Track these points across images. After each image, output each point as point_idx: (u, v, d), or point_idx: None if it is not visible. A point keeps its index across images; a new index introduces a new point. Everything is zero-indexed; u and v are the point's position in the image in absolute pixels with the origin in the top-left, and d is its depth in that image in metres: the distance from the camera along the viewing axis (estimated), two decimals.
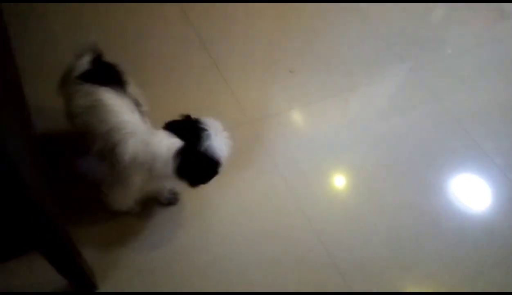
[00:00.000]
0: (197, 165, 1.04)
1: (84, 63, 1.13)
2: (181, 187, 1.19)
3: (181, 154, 1.02)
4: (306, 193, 1.44)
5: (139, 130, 1.06)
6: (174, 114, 1.13)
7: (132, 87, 1.18)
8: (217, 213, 1.36)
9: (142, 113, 1.13)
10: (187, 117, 1.09)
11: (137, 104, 1.14)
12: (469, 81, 1.87)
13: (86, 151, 1.19)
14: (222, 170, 1.08)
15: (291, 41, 1.87)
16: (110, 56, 1.21)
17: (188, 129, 1.05)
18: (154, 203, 1.32)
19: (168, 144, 1.03)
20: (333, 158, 1.56)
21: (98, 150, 1.11)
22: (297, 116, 1.67)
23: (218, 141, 1.04)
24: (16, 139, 0.80)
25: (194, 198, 1.35)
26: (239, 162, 1.46)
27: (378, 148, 1.61)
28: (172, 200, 1.32)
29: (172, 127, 1.06)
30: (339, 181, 1.52)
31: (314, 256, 1.31)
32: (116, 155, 1.05)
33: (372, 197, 1.47)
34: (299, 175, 1.48)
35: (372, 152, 1.60)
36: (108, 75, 1.15)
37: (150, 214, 1.31)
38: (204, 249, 1.28)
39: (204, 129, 1.03)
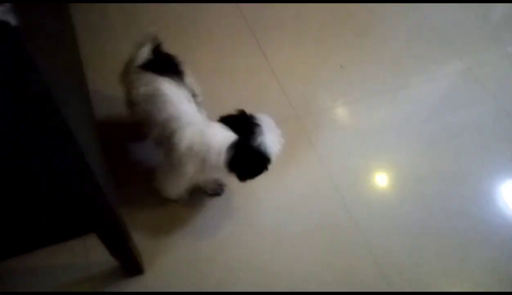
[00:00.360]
0: (249, 159, 1.05)
1: (145, 52, 1.17)
2: (228, 179, 1.21)
3: (234, 147, 1.03)
4: (351, 193, 1.42)
5: (195, 120, 1.09)
6: (224, 105, 1.16)
7: (188, 78, 1.21)
8: (261, 207, 1.37)
9: (198, 103, 1.16)
10: (242, 112, 1.10)
11: (193, 94, 1.17)
12: None
13: (141, 138, 1.23)
14: (271, 167, 1.09)
15: (342, 36, 1.83)
16: (167, 47, 1.24)
17: (242, 124, 1.06)
18: (201, 192, 1.34)
19: (223, 137, 1.05)
20: (381, 157, 1.53)
21: (156, 136, 1.16)
22: (345, 113, 1.64)
23: (271, 138, 1.04)
24: (83, 129, 0.84)
25: (239, 190, 1.37)
26: (285, 157, 1.44)
27: (430, 149, 1.55)
28: (218, 191, 1.34)
29: (227, 121, 1.08)
30: (387, 182, 1.49)
31: (357, 256, 1.30)
32: (173, 143, 1.08)
33: (421, 201, 1.43)
34: (345, 174, 1.46)
35: (422, 154, 1.54)
36: (167, 65, 1.18)
37: (197, 203, 1.34)
38: (245, 244, 1.29)
39: (258, 125, 1.04)
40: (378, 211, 1.40)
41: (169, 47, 1.24)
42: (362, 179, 1.46)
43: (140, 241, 1.22)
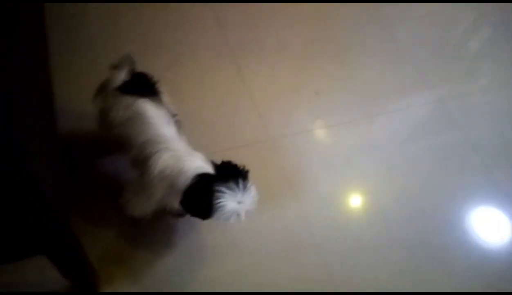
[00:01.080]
0: (198, 196, 1.02)
1: (122, 74, 1.16)
2: None
3: (198, 178, 1.02)
4: (319, 216, 1.41)
5: (174, 146, 1.08)
6: (197, 123, 1.17)
7: (166, 97, 1.21)
8: (227, 227, 1.34)
9: (177, 123, 1.16)
10: (234, 164, 1.08)
11: (172, 114, 1.17)
12: (497, 119, 1.78)
13: (109, 153, 1.21)
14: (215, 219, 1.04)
15: (320, 62, 1.85)
16: (144, 65, 1.24)
17: (227, 170, 1.05)
18: (165, 212, 1.32)
19: (197, 166, 1.04)
20: (352, 182, 1.53)
21: (132, 158, 1.14)
22: (318, 137, 1.65)
23: (237, 198, 1.01)
24: (37, 140, 0.81)
25: None
26: (254, 178, 1.44)
27: (397, 176, 1.57)
28: (182, 212, 1.31)
29: (219, 165, 1.07)
30: (355, 208, 1.49)
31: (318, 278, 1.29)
32: (148, 166, 1.07)
33: (384, 227, 1.43)
34: (313, 197, 1.46)
35: (391, 180, 1.55)
36: (145, 85, 1.18)
37: (160, 223, 1.31)
38: (207, 265, 1.27)
39: (237, 179, 1.02)
40: (342, 235, 1.39)
41: (147, 65, 1.25)
42: (330, 202, 1.46)
43: (99, 256, 1.19)
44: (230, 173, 1.04)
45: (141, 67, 1.25)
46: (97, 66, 1.24)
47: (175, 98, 1.26)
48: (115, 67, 1.19)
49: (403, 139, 1.69)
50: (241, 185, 1.01)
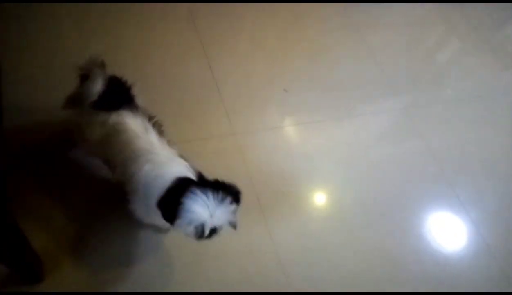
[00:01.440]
0: (169, 199, 0.98)
1: (97, 86, 1.09)
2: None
3: (176, 182, 0.98)
4: (277, 213, 1.41)
5: (154, 156, 1.04)
6: (161, 113, 1.15)
7: (140, 100, 1.17)
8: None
9: (156, 125, 1.12)
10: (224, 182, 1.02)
11: (149, 118, 1.13)
12: (460, 130, 1.83)
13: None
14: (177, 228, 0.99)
15: (291, 61, 1.85)
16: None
17: (212, 183, 1.00)
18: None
19: (179, 171, 1.01)
20: (313, 182, 1.53)
21: (118, 178, 1.11)
22: (283, 135, 1.64)
23: (212, 209, 0.94)
24: None
25: None
26: (216, 171, 1.43)
27: (359, 179, 1.58)
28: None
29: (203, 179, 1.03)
30: (314, 208, 1.49)
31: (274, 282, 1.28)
32: (134, 184, 1.04)
33: (342, 230, 1.44)
34: (273, 194, 1.45)
35: (353, 183, 1.57)
36: (119, 94, 1.13)
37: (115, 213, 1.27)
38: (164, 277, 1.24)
39: (217, 191, 0.96)
40: (299, 234, 1.39)
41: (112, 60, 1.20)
42: (290, 200, 1.46)
43: (45, 249, 1.14)
44: (213, 184, 0.98)
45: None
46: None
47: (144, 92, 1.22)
48: (86, 75, 1.11)
49: (368, 143, 1.70)
50: (218, 196, 0.94)
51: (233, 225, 1.00)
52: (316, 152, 1.61)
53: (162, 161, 1.04)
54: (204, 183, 0.99)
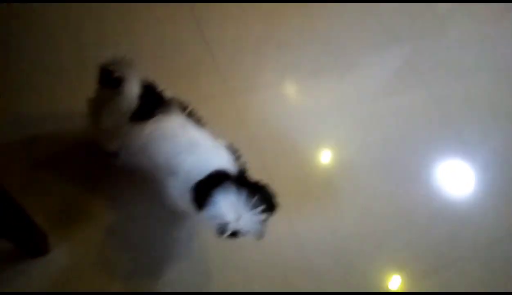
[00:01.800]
0: (200, 189, 0.95)
1: (133, 92, 1.01)
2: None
3: (214, 173, 0.95)
4: (280, 170, 1.38)
5: (195, 149, 1.01)
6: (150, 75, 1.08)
7: (169, 93, 1.10)
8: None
9: (191, 114, 1.08)
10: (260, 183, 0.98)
11: (184, 109, 1.07)
12: (464, 75, 1.79)
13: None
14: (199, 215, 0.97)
15: (288, 15, 1.76)
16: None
17: (251, 184, 0.95)
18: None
19: (219, 164, 0.97)
20: (316, 136, 1.50)
21: (159, 183, 1.06)
22: (284, 92, 1.59)
23: (238, 210, 0.90)
24: None
25: None
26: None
27: (363, 130, 1.56)
28: None
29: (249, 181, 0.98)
30: (319, 160, 1.47)
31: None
32: (165, 195, 1.04)
33: (354, 176, 1.44)
34: (275, 153, 1.42)
35: (356, 134, 1.55)
36: (155, 102, 1.05)
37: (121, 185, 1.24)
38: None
39: (253, 195, 0.91)
40: (305, 185, 1.39)
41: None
42: (294, 157, 1.43)
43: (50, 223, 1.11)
44: (251, 186, 0.94)
45: None
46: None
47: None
48: (112, 76, 0.98)
49: (371, 94, 1.66)
50: (251, 201, 0.89)
51: (259, 235, 0.93)
52: (318, 107, 1.56)
53: (203, 152, 1.01)
54: (242, 182, 0.94)
